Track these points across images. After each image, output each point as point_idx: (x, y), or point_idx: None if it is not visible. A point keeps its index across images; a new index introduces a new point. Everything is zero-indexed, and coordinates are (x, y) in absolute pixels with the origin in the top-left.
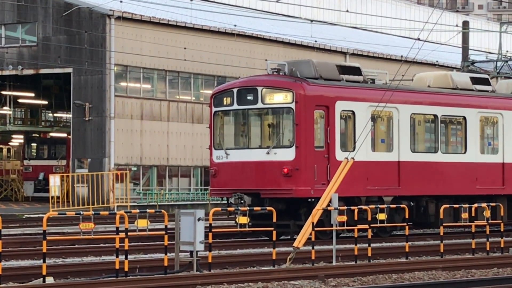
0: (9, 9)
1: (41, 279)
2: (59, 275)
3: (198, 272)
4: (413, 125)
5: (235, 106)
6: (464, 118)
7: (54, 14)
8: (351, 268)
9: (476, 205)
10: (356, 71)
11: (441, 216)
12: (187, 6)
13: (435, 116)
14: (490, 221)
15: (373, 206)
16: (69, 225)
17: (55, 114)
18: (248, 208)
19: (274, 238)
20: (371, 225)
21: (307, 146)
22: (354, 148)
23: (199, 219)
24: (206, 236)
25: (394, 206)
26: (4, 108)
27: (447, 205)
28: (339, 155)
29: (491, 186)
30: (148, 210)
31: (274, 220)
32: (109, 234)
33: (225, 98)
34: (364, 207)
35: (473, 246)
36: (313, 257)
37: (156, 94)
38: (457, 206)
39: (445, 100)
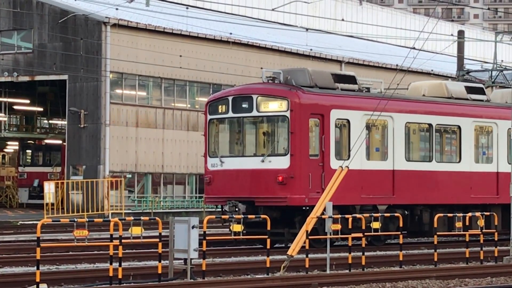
0: (5, 16)
1: (35, 286)
2: (53, 282)
3: (192, 280)
4: (408, 134)
5: (230, 114)
6: (459, 127)
7: (50, 21)
8: (345, 276)
9: (470, 214)
10: (351, 79)
11: (435, 225)
12: (182, 14)
13: (430, 125)
14: (484, 230)
15: (368, 214)
16: (63, 232)
17: (50, 121)
18: (243, 216)
19: (268, 246)
20: (365, 233)
21: (302, 154)
22: (349, 156)
23: (193, 227)
24: (200, 244)
25: (388, 214)
26: None
27: (441, 214)
28: (334, 163)
29: (486, 195)
30: (142, 218)
31: (268, 228)
32: (103, 241)
33: (220, 106)
34: (358, 215)
35: (467, 255)
36: (307, 265)
37: (152, 102)
38: (451, 215)
39: (440, 109)
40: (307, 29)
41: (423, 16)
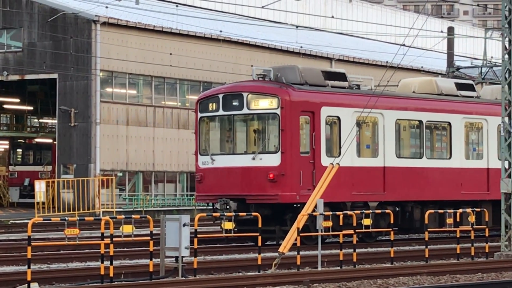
0: None
1: (26, 285)
2: (44, 281)
3: (183, 278)
4: (398, 131)
5: (221, 112)
6: (449, 123)
7: (40, 19)
8: (336, 273)
9: (461, 210)
10: (342, 76)
11: (426, 221)
12: (172, 11)
13: (420, 121)
14: (474, 226)
15: (358, 211)
16: (55, 231)
17: (40, 120)
18: (234, 213)
19: (259, 244)
20: (356, 230)
21: (293, 152)
22: (340, 153)
23: (184, 225)
24: (192, 242)
25: (379, 211)
26: None
27: (432, 211)
28: (325, 160)
29: (476, 191)
30: (133, 216)
31: (260, 225)
32: (94, 240)
33: (210, 104)
34: (349, 212)
35: (458, 251)
36: (298, 263)
37: (142, 100)
38: (442, 211)
39: (430, 105)
40: (297, 27)
41: (413, 13)
